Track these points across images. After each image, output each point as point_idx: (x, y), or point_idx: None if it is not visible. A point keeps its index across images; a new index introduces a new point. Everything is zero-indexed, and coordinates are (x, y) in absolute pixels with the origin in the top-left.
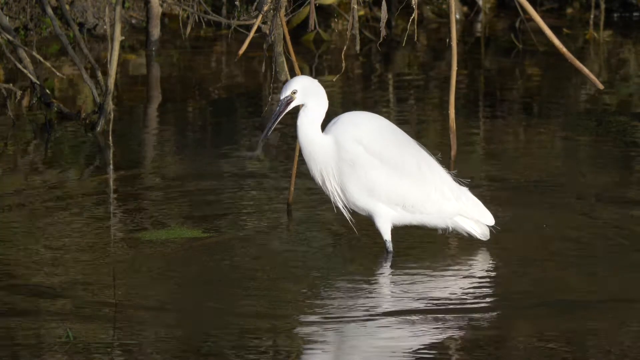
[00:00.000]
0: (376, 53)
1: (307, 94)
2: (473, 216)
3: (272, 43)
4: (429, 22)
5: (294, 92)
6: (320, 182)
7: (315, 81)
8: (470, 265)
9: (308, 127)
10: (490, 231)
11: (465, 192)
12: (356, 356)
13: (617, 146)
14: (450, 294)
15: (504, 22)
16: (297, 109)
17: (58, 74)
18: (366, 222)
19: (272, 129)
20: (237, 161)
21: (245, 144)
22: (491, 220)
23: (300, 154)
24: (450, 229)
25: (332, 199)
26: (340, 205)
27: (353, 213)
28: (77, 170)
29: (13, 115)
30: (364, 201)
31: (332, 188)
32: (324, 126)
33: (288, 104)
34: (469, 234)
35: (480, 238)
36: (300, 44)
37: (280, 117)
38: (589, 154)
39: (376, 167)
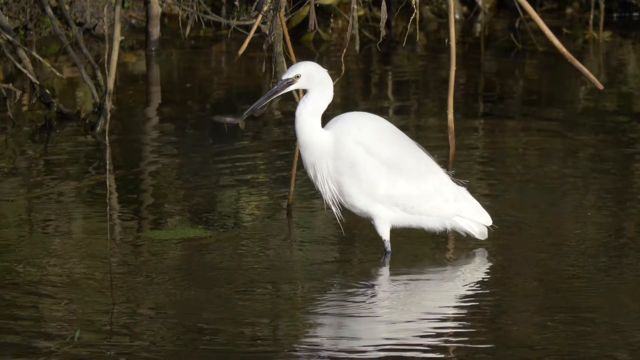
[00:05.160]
0: (376, 53)
1: (312, 81)
2: (471, 216)
3: (272, 43)
4: (429, 22)
5: (297, 76)
6: (312, 176)
7: (323, 70)
8: (469, 265)
9: (307, 117)
10: (489, 230)
11: (463, 192)
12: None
13: (617, 146)
14: (450, 294)
15: (503, 22)
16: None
17: (58, 74)
18: (364, 222)
19: (263, 104)
20: (237, 161)
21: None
22: (489, 221)
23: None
24: (449, 229)
25: (323, 195)
26: (330, 202)
27: (345, 211)
28: (77, 170)
29: (13, 115)
30: (363, 202)
31: (324, 183)
32: (322, 124)
33: (287, 85)
34: (467, 233)
35: (479, 237)
36: (300, 44)
37: (275, 97)
38: (589, 154)
39: (377, 168)
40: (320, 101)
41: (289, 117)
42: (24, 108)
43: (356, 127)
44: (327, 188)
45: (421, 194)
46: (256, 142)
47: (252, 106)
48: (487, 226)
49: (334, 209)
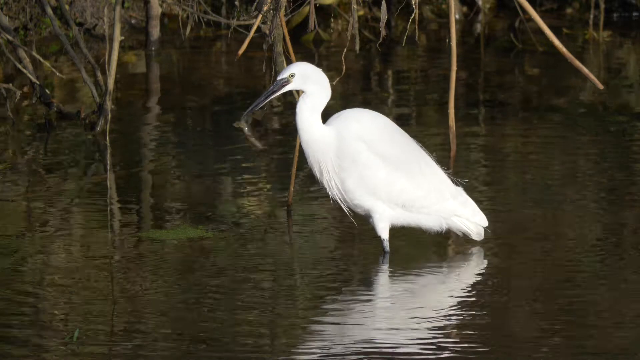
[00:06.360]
0: (376, 53)
1: (308, 81)
2: (468, 216)
3: (272, 43)
4: (429, 22)
5: (292, 76)
6: (317, 174)
7: (318, 69)
8: (468, 265)
9: (306, 113)
10: (487, 230)
11: (460, 192)
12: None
13: (618, 146)
14: (448, 294)
15: (503, 22)
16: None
17: (58, 74)
18: (363, 221)
19: (260, 105)
20: (237, 161)
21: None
22: (485, 221)
23: (300, 153)
24: (445, 229)
25: (329, 193)
26: (337, 198)
27: (350, 210)
28: (77, 170)
29: (13, 116)
30: (364, 199)
31: (330, 180)
32: (323, 121)
33: (283, 86)
34: (464, 233)
35: (475, 238)
36: (300, 44)
37: (271, 97)
38: (589, 153)
39: (378, 166)
40: (318, 100)
41: (289, 117)
42: (24, 108)
43: (357, 124)
44: (333, 184)
45: (421, 192)
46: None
47: (250, 108)
48: (484, 227)
49: (342, 205)
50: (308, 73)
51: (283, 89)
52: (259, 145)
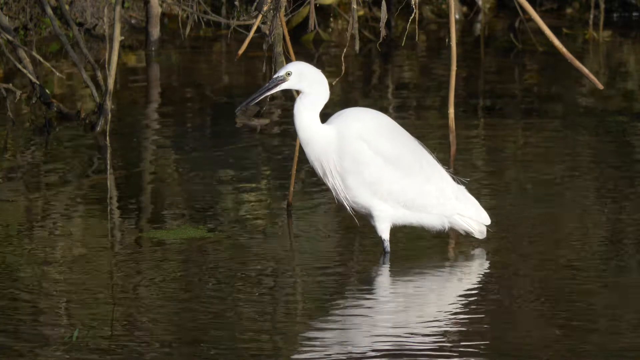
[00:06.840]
0: (376, 53)
1: (305, 80)
2: (471, 215)
3: (272, 43)
4: (429, 22)
5: (288, 74)
6: (320, 173)
7: (317, 69)
8: (469, 265)
9: (304, 112)
10: (488, 230)
11: (462, 190)
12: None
13: (617, 146)
14: (450, 294)
15: (503, 22)
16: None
17: (58, 74)
18: (363, 221)
19: (255, 102)
20: (237, 161)
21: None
22: (488, 220)
23: (301, 153)
24: (447, 228)
25: (333, 193)
26: (341, 197)
27: (352, 209)
28: (77, 170)
29: (13, 115)
30: (365, 198)
31: (333, 180)
32: (323, 120)
33: (278, 84)
34: (466, 232)
35: (478, 236)
36: (300, 44)
37: (266, 94)
38: (589, 153)
39: (379, 165)
40: (316, 100)
41: (289, 118)
42: (24, 108)
43: (359, 123)
44: (336, 184)
45: (423, 191)
46: (256, 142)
47: (244, 103)
48: (486, 225)
49: (345, 203)
50: (305, 72)
51: (278, 86)
52: (264, 122)
